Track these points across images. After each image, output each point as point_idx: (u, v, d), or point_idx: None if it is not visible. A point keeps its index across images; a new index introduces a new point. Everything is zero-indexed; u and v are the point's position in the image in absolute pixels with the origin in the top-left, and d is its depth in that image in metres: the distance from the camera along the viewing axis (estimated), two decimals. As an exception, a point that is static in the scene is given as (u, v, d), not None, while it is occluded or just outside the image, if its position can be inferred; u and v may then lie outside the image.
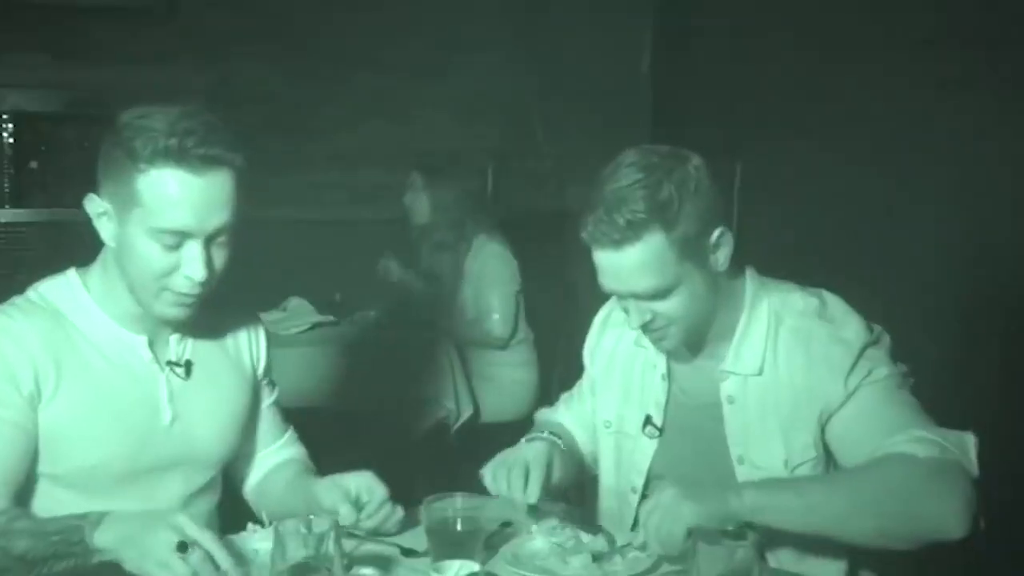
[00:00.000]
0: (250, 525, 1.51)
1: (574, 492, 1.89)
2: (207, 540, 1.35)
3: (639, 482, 1.74)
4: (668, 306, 1.58)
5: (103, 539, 1.37)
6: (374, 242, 4.25)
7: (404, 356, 3.35)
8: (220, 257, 1.52)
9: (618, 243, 1.53)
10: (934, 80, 3.41)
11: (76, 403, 1.53)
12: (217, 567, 1.33)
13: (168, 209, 1.45)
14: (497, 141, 4.51)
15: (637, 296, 1.58)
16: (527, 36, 4.63)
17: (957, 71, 3.34)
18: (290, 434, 1.87)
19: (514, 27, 4.61)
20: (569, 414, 1.93)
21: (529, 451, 1.69)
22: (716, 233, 1.58)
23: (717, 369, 1.66)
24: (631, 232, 1.51)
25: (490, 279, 3.45)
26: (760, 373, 1.62)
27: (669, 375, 1.73)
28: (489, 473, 1.63)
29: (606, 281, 1.60)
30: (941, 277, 3.33)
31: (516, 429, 3.30)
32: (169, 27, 4.05)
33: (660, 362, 1.74)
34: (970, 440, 1.47)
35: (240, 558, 1.38)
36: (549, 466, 1.66)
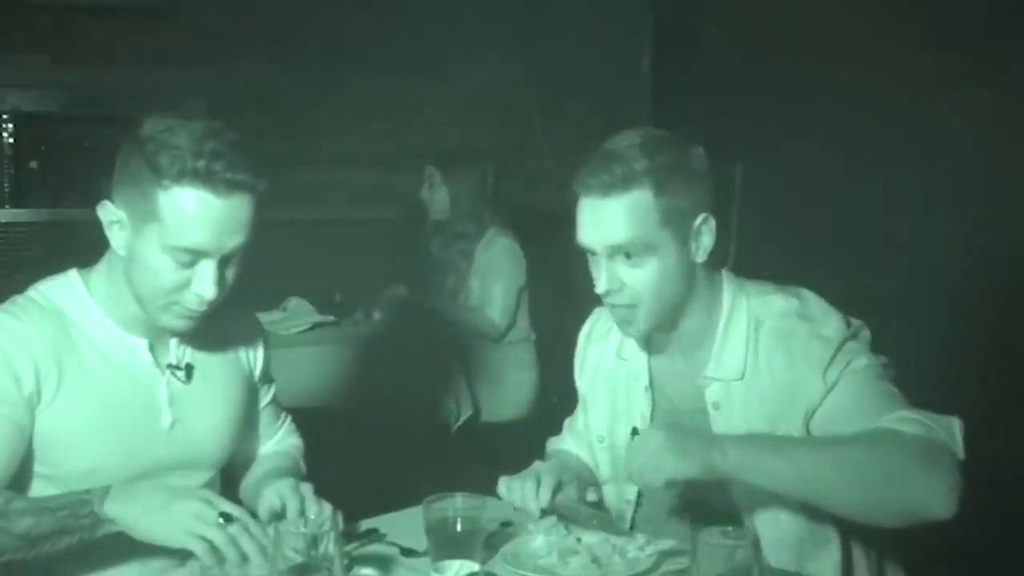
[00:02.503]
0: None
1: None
2: (242, 514, 1.38)
3: (632, 494, 1.75)
4: (639, 276, 1.57)
5: (114, 509, 1.39)
6: (374, 242, 4.26)
7: (404, 356, 3.35)
8: (231, 275, 1.53)
9: (608, 188, 1.54)
10: (934, 80, 3.41)
11: (76, 405, 1.53)
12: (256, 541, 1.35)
13: (187, 228, 1.45)
14: (497, 141, 4.51)
15: (612, 249, 1.56)
16: (527, 36, 4.64)
17: (957, 71, 3.34)
18: (285, 429, 1.89)
19: (514, 27, 4.62)
20: (572, 438, 1.93)
21: (540, 464, 1.71)
22: (701, 217, 1.59)
23: (700, 376, 1.65)
24: (622, 182, 1.54)
25: (496, 271, 3.46)
26: (742, 378, 1.61)
27: (652, 386, 1.73)
28: (504, 485, 1.63)
29: (584, 232, 1.59)
30: (941, 276, 3.34)
31: (516, 429, 3.35)
32: (169, 27, 4.05)
33: (642, 374, 1.73)
34: (956, 423, 1.46)
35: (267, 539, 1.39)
36: (560, 479, 1.66)
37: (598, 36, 4.71)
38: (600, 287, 1.60)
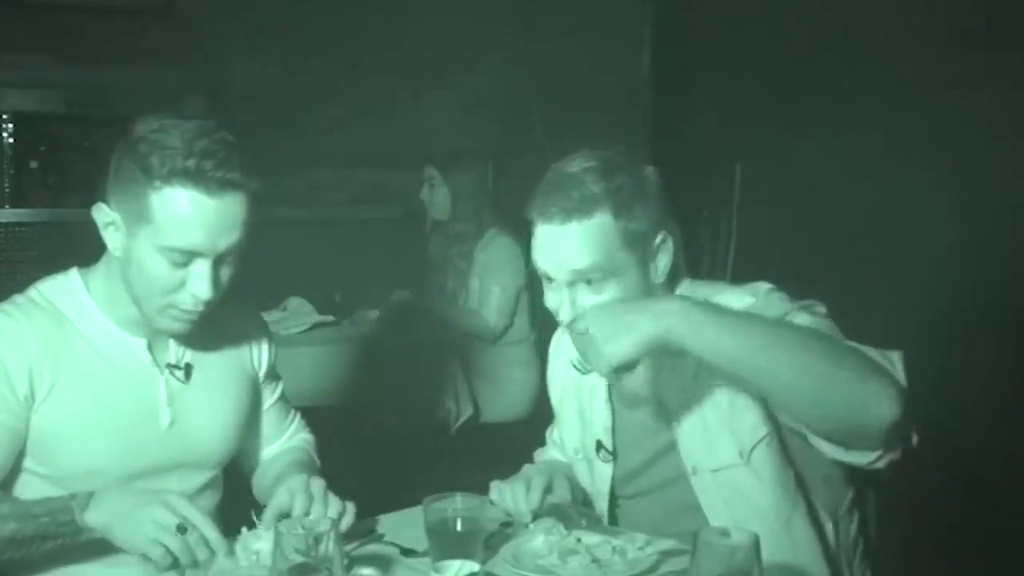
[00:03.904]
0: (244, 530, 1.50)
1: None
2: (202, 522, 1.37)
3: (604, 506, 1.75)
4: (601, 303, 1.54)
5: (93, 517, 1.40)
6: (374, 242, 4.26)
7: (404, 356, 3.35)
8: (227, 274, 1.53)
9: (567, 214, 1.53)
10: (934, 80, 3.41)
11: (72, 405, 1.53)
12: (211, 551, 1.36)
13: (180, 228, 1.45)
14: (497, 141, 4.51)
15: (574, 275, 1.55)
16: (527, 36, 4.63)
17: (957, 71, 3.34)
18: (296, 425, 1.89)
19: (514, 27, 4.61)
20: (556, 449, 1.93)
21: (530, 468, 1.72)
22: (660, 237, 1.58)
23: (658, 384, 1.63)
24: (582, 206, 1.53)
25: (495, 271, 3.46)
26: (696, 379, 1.59)
27: (611, 398, 1.72)
28: (495, 490, 1.64)
29: (544, 260, 1.58)
30: (941, 275, 3.33)
31: (516, 429, 3.35)
32: (169, 27, 4.05)
33: (600, 386, 1.73)
34: (896, 354, 1.43)
35: (230, 551, 1.40)
36: (550, 480, 1.66)
37: (598, 36, 4.70)
38: (564, 316, 1.58)
